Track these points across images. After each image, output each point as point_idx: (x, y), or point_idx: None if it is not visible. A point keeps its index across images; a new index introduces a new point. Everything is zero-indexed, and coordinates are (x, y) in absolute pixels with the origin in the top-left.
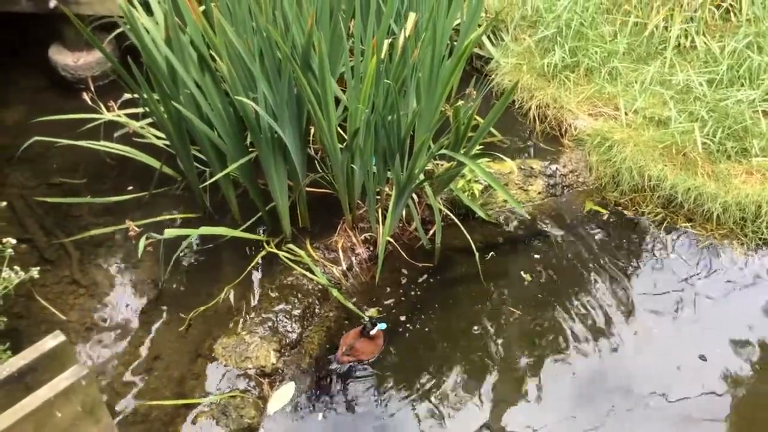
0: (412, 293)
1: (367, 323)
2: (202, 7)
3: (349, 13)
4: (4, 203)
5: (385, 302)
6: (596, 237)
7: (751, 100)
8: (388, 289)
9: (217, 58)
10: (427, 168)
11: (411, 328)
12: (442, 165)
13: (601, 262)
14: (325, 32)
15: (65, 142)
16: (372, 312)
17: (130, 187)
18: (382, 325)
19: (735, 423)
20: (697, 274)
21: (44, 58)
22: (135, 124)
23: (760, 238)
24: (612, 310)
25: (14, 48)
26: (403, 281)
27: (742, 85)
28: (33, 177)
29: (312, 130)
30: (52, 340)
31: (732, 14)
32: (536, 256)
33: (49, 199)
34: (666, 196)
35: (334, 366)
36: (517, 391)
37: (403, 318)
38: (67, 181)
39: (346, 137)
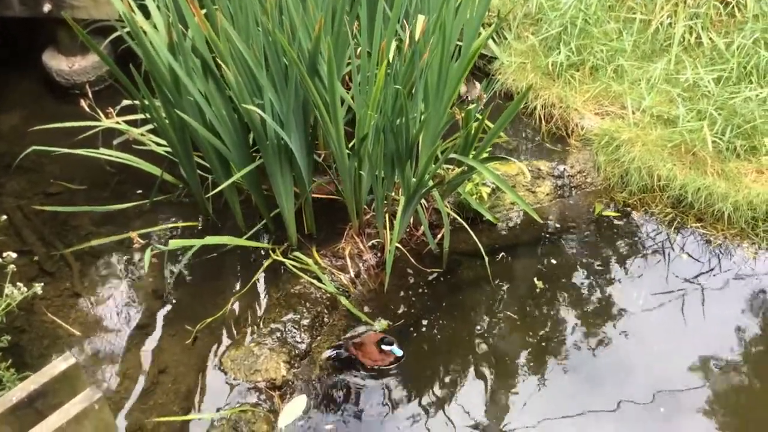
0: (422, 299)
1: (387, 337)
2: (203, 11)
3: (353, 14)
4: (4, 217)
5: (394, 308)
6: (605, 238)
7: (762, 99)
8: (397, 296)
9: (222, 65)
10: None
11: (421, 335)
12: (451, 169)
13: (611, 262)
14: (329, 34)
15: (63, 150)
16: (383, 324)
17: (139, 191)
18: (398, 351)
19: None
20: (708, 273)
21: (39, 64)
22: (135, 131)
23: None
24: (622, 311)
25: (8, 53)
26: (412, 287)
27: (750, 82)
28: (30, 186)
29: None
30: (62, 363)
31: (737, 10)
32: (544, 258)
33: (47, 208)
34: (675, 196)
35: (341, 353)
36: (528, 395)
37: (412, 325)
38: (66, 187)
39: (351, 140)
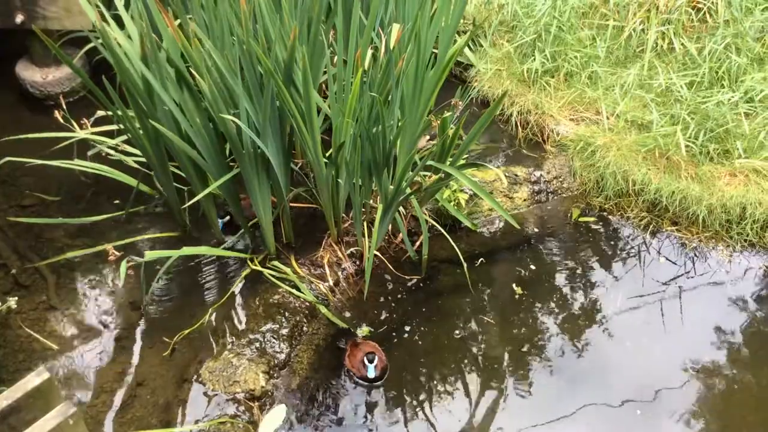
0: (402, 306)
1: (375, 355)
2: (177, 21)
3: (329, 23)
4: None
5: (374, 316)
6: (583, 242)
7: (733, 103)
8: (377, 303)
9: (196, 75)
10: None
11: (401, 342)
12: (428, 176)
13: (588, 267)
14: (304, 43)
15: (38, 162)
16: (365, 330)
17: (115, 202)
18: (370, 373)
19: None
20: (684, 275)
21: (12, 75)
22: (110, 143)
23: (745, 240)
24: (600, 314)
25: None
26: (392, 294)
27: (722, 86)
28: (4, 198)
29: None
30: (36, 378)
31: (708, 15)
32: (522, 263)
33: (22, 220)
34: (651, 200)
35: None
36: (507, 398)
37: (393, 332)
38: (41, 199)
39: (329, 148)
